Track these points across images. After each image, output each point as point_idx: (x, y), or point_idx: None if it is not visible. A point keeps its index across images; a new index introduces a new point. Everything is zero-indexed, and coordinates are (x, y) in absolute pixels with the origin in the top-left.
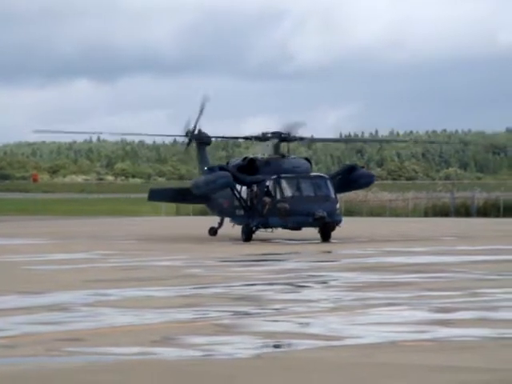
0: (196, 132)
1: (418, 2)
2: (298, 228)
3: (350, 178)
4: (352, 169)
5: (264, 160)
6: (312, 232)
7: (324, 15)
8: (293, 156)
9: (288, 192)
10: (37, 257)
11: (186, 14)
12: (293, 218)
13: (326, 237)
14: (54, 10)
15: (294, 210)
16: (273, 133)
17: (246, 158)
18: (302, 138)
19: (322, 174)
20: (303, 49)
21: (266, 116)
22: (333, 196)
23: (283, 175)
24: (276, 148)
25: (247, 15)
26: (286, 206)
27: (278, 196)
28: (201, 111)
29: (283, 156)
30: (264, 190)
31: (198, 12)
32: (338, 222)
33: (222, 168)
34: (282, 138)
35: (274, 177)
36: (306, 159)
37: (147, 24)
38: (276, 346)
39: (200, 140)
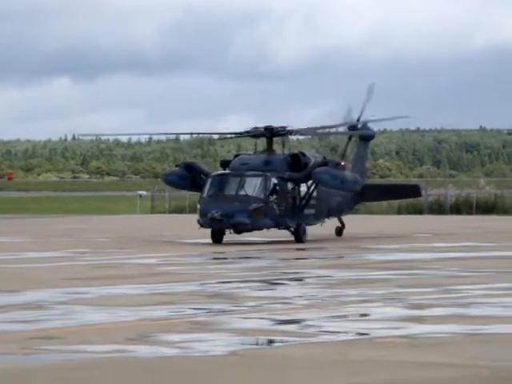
0: (360, 126)
1: (396, 3)
2: (259, 229)
3: None
4: (323, 165)
5: (242, 156)
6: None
7: (304, 15)
8: (276, 153)
9: (207, 191)
10: (11, 255)
11: (166, 13)
12: (203, 218)
13: (297, 239)
14: (34, 8)
15: (201, 209)
16: (265, 128)
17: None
18: (291, 132)
19: (258, 173)
20: (283, 48)
21: (246, 114)
22: (255, 196)
23: (219, 173)
24: (268, 143)
25: (228, 15)
26: (198, 205)
27: (202, 195)
28: (366, 101)
29: (255, 152)
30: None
31: (178, 11)
32: (241, 225)
33: (187, 165)
34: (272, 132)
35: (212, 174)
36: (294, 155)
37: (127, 23)
38: (251, 344)
39: (363, 135)
